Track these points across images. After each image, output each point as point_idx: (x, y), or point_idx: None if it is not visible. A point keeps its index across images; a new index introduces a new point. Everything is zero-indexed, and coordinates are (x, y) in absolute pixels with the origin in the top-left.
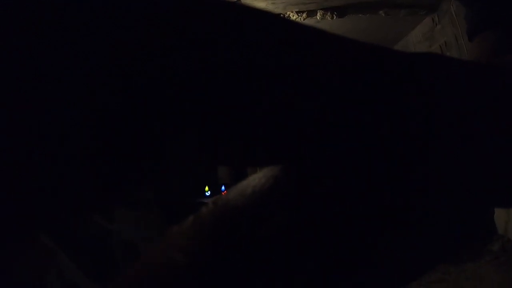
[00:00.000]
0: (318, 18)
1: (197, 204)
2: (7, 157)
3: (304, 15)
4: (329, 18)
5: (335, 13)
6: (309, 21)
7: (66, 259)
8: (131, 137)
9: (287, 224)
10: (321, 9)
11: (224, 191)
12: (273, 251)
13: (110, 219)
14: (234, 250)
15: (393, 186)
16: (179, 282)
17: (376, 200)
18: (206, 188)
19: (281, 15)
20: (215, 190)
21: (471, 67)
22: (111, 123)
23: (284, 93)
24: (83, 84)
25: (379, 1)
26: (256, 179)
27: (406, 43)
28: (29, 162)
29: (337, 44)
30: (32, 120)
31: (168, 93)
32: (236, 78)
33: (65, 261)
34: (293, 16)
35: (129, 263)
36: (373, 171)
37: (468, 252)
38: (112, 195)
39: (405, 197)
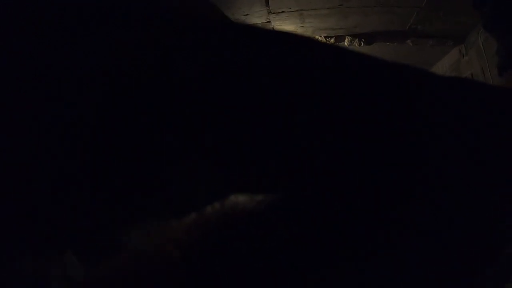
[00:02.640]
0: (346, 44)
1: None
2: (7, 158)
3: (332, 40)
4: (356, 45)
5: (363, 40)
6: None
7: (72, 257)
8: (131, 137)
9: (290, 228)
10: (350, 35)
11: None
12: (274, 252)
13: (126, 232)
14: (233, 248)
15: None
16: (170, 274)
17: (378, 200)
18: None
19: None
20: None
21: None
22: (111, 123)
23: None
24: (84, 84)
25: (407, 30)
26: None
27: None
28: (28, 162)
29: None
30: (32, 120)
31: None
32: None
33: (71, 260)
34: (321, 40)
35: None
36: (378, 174)
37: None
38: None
39: (407, 199)
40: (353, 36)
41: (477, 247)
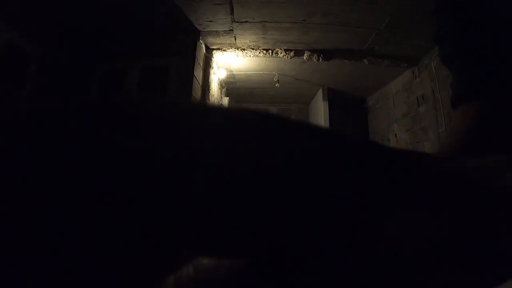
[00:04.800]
0: (305, 58)
1: None
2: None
3: (292, 53)
4: (315, 60)
5: (321, 55)
6: (295, 60)
7: None
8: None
9: None
10: (309, 50)
11: None
12: None
13: None
14: None
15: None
16: None
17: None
18: None
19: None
20: None
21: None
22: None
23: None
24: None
25: (364, 50)
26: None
27: (385, 91)
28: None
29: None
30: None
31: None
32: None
33: None
34: (281, 53)
35: None
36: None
37: None
38: None
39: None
40: (312, 51)
41: None
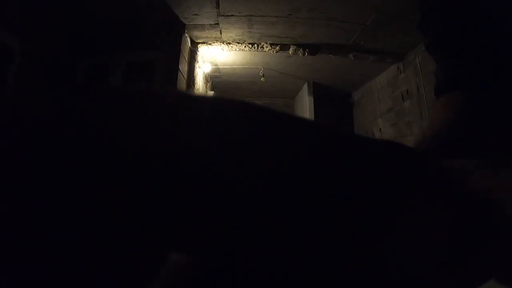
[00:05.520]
0: (290, 53)
1: None
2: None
3: (277, 47)
4: (300, 54)
5: (307, 50)
6: (281, 55)
7: None
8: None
9: None
10: (295, 44)
11: None
12: None
13: None
14: None
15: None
16: None
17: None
18: None
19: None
20: None
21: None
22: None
23: None
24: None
25: (350, 45)
26: None
27: (370, 86)
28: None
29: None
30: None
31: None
32: None
33: None
34: (267, 47)
35: None
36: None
37: None
38: None
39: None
40: (298, 45)
41: None
